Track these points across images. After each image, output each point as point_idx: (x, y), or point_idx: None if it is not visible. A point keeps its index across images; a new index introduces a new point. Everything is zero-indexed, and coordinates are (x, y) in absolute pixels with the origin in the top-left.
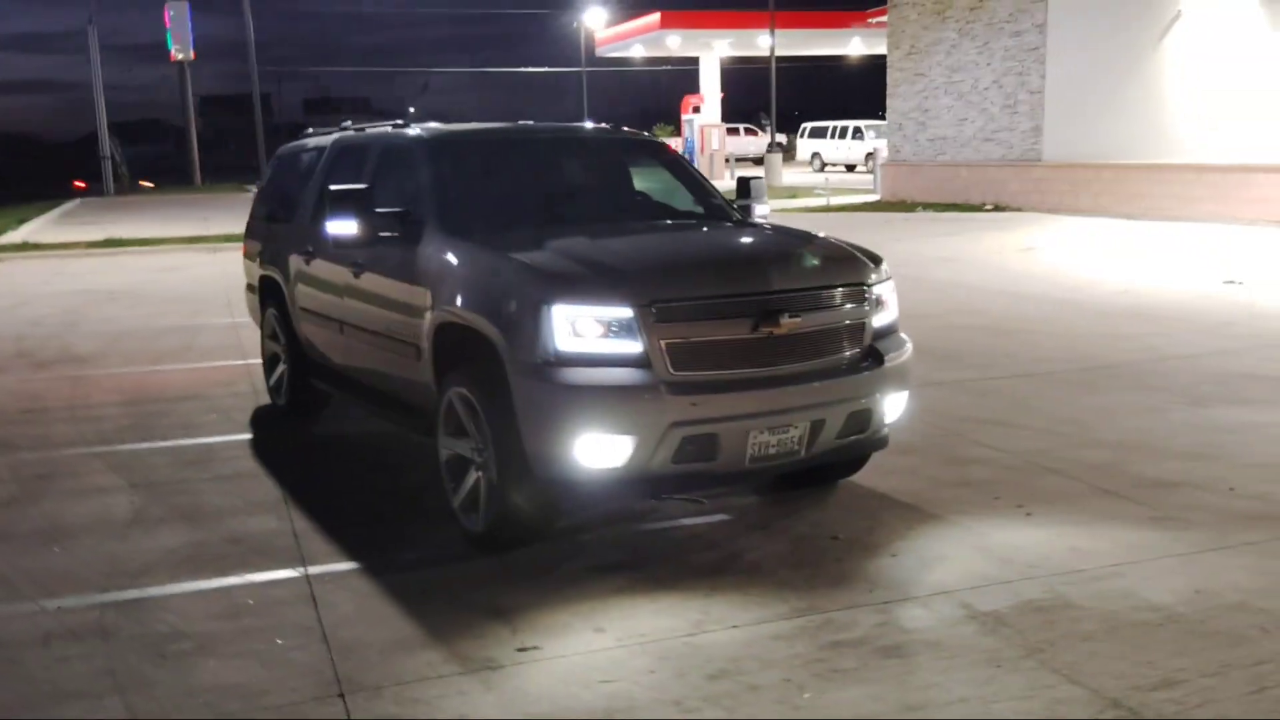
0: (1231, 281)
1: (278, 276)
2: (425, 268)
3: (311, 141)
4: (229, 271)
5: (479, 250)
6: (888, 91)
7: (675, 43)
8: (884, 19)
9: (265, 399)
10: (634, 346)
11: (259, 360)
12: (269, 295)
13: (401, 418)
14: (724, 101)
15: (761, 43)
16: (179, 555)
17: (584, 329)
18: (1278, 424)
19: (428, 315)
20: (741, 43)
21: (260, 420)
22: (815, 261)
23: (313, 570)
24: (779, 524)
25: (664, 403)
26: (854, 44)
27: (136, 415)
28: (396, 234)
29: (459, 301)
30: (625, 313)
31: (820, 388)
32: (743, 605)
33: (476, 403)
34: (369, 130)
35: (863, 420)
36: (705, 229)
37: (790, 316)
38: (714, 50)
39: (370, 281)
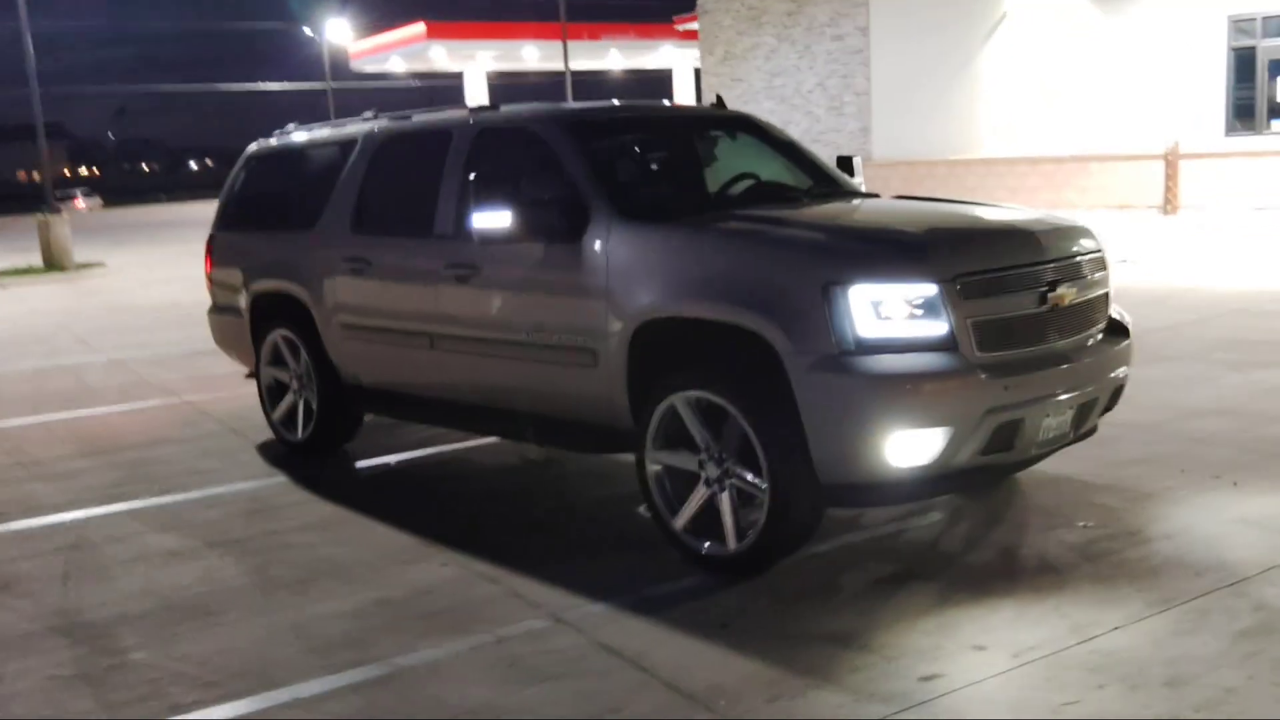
0: (1124, 260)
1: (298, 293)
2: (599, 262)
3: (320, 135)
4: (38, 308)
5: (706, 235)
6: (703, 98)
7: (440, 55)
8: (694, 25)
9: (246, 437)
10: (939, 327)
11: (197, 397)
12: (272, 317)
13: (549, 435)
14: None
15: (526, 54)
16: (379, 619)
17: (888, 311)
18: None
19: (611, 316)
20: (508, 55)
21: (279, 459)
22: (1065, 229)
23: (567, 615)
24: (1007, 517)
25: (980, 388)
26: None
27: (118, 466)
28: (554, 227)
29: (686, 295)
30: (930, 289)
31: (1097, 363)
32: (1095, 604)
33: (734, 407)
34: (439, 115)
35: (1117, 395)
36: (898, 202)
37: (1068, 286)
38: (477, 62)
39: (495, 286)
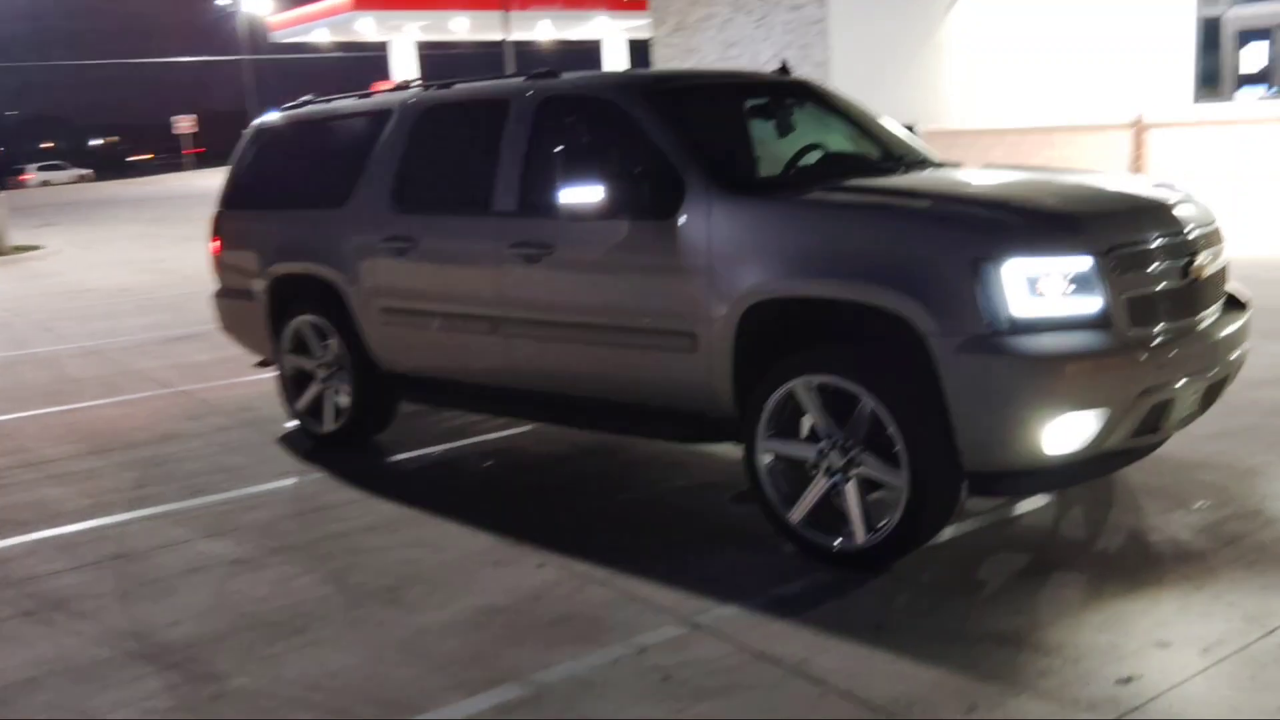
0: None
1: (328, 275)
2: (699, 240)
3: (343, 106)
4: None
5: (829, 209)
6: (654, 67)
7: (367, 25)
8: None
9: (263, 429)
10: (1094, 303)
11: (192, 387)
12: (296, 301)
13: (636, 424)
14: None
15: (456, 25)
16: (495, 631)
17: (1044, 286)
18: None
19: (714, 297)
20: (437, 26)
21: (308, 453)
22: (1191, 200)
23: (702, 620)
24: (1117, 500)
25: (1137, 368)
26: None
27: (133, 465)
28: (644, 203)
29: (809, 273)
30: (1086, 263)
31: (1227, 338)
32: (1258, 592)
33: (868, 393)
34: (491, 84)
35: (1238, 372)
36: (1010, 171)
37: (1204, 258)
38: (405, 33)
39: (573, 266)
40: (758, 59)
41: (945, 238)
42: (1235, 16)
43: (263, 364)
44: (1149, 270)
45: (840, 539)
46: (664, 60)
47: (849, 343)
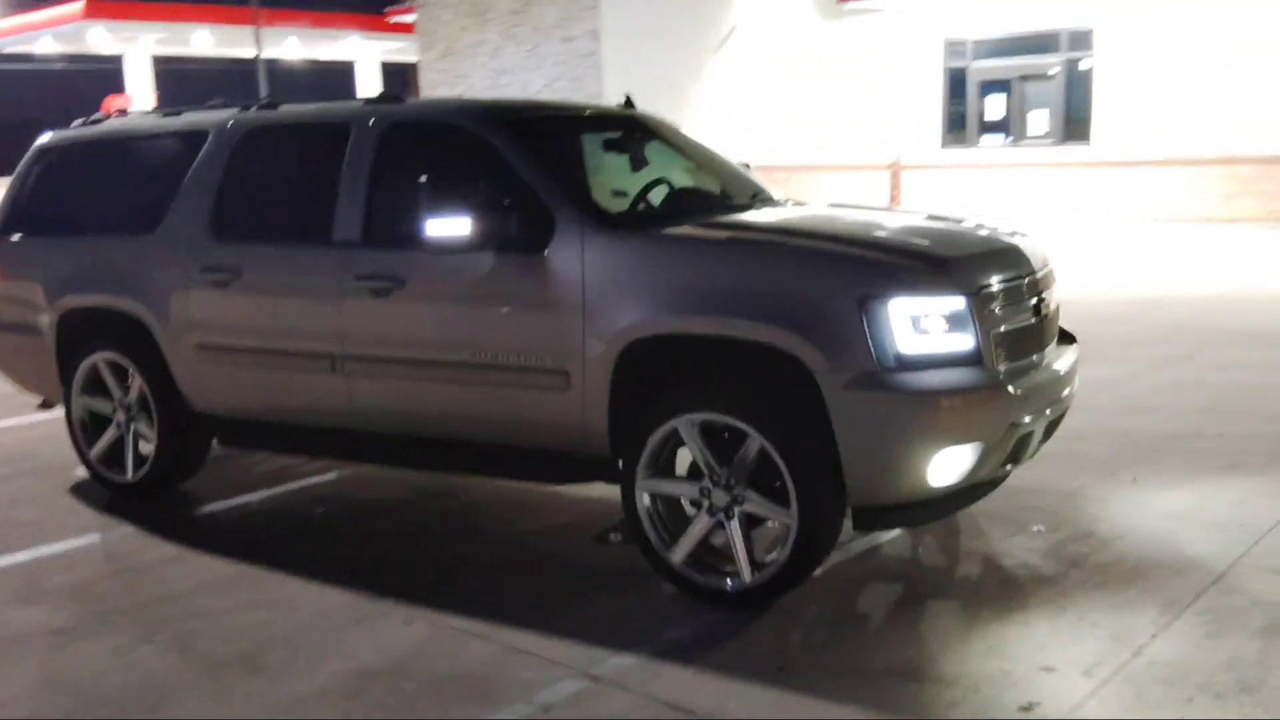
0: None
1: (132, 309)
2: (573, 275)
3: (145, 125)
4: None
5: (714, 246)
6: (422, 94)
7: (100, 36)
8: (407, 18)
9: (49, 478)
10: (967, 341)
11: None
12: (91, 337)
13: (498, 465)
14: (162, 104)
15: (197, 39)
16: (381, 697)
17: (927, 325)
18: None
19: (589, 334)
20: (177, 39)
21: (108, 504)
22: (1032, 242)
23: (600, 671)
24: (962, 526)
25: (1008, 401)
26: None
27: None
28: (511, 237)
29: (693, 310)
30: (960, 302)
31: (1069, 372)
32: (1114, 611)
33: (756, 430)
34: (325, 107)
35: (1070, 404)
36: (863, 211)
37: (1048, 296)
38: (140, 45)
39: (428, 300)
40: (529, 88)
41: (834, 277)
42: (978, 68)
43: (45, 405)
44: (1009, 309)
45: (729, 579)
46: (431, 86)
47: (735, 381)
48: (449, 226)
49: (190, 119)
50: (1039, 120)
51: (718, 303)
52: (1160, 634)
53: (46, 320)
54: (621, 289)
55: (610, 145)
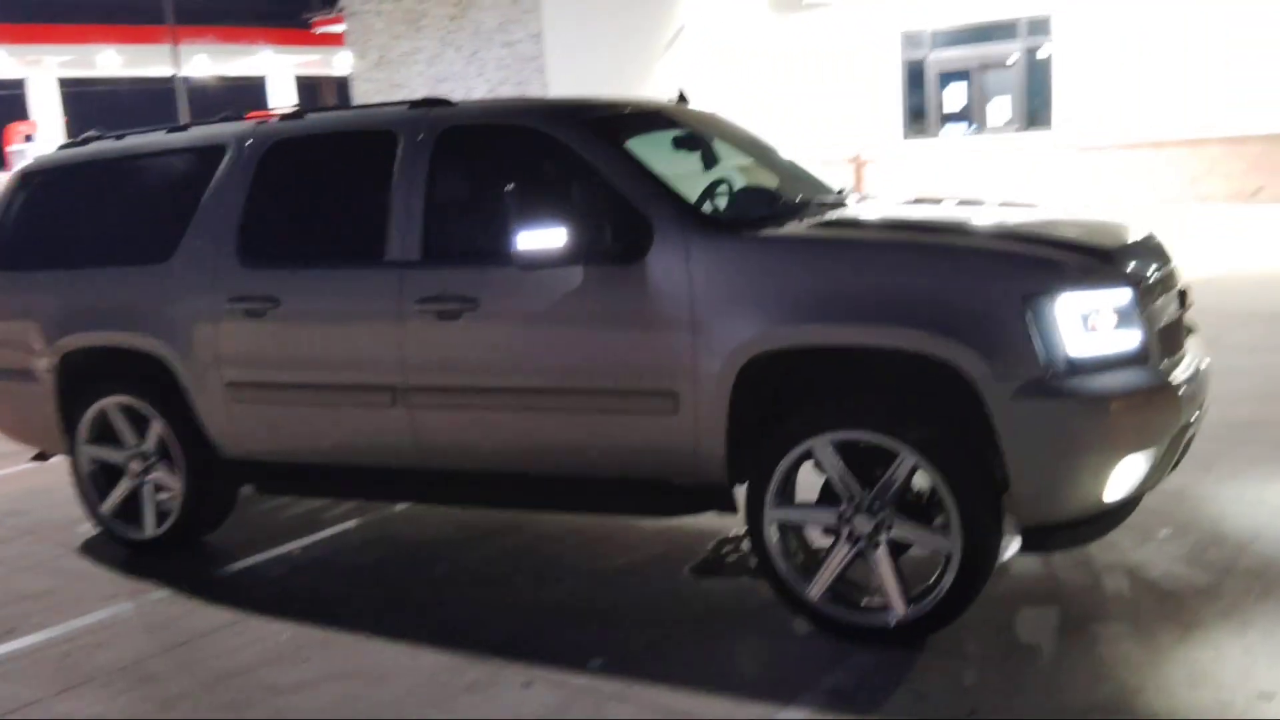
0: None
1: (150, 346)
2: (679, 286)
3: (148, 143)
4: None
5: (849, 247)
6: (356, 103)
7: (1, 59)
8: (334, 28)
9: (53, 539)
10: (1135, 338)
11: None
12: (99, 379)
13: (596, 500)
14: (71, 127)
15: (104, 60)
16: None
17: (1095, 322)
18: None
19: (702, 350)
20: (83, 60)
21: (130, 565)
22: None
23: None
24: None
25: (1178, 402)
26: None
27: None
28: (604, 248)
29: (831, 318)
30: (1127, 295)
31: (1209, 369)
32: None
33: (911, 448)
34: (363, 113)
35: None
36: (951, 203)
37: (1186, 288)
38: (45, 67)
39: (507, 322)
40: (471, 94)
41: (994, 274)
42: (936, 59)
43: (41, 457)
44: (1161, 302)
45: (880, 613)
46: (366, 95)
47: (878, 394)
48: (541, 239)
49: (201, 133)
50: (1000, 108)
51: (857, 309)
52: None
53: (43, 364)
54: (739, 298)
55: (680, 143)
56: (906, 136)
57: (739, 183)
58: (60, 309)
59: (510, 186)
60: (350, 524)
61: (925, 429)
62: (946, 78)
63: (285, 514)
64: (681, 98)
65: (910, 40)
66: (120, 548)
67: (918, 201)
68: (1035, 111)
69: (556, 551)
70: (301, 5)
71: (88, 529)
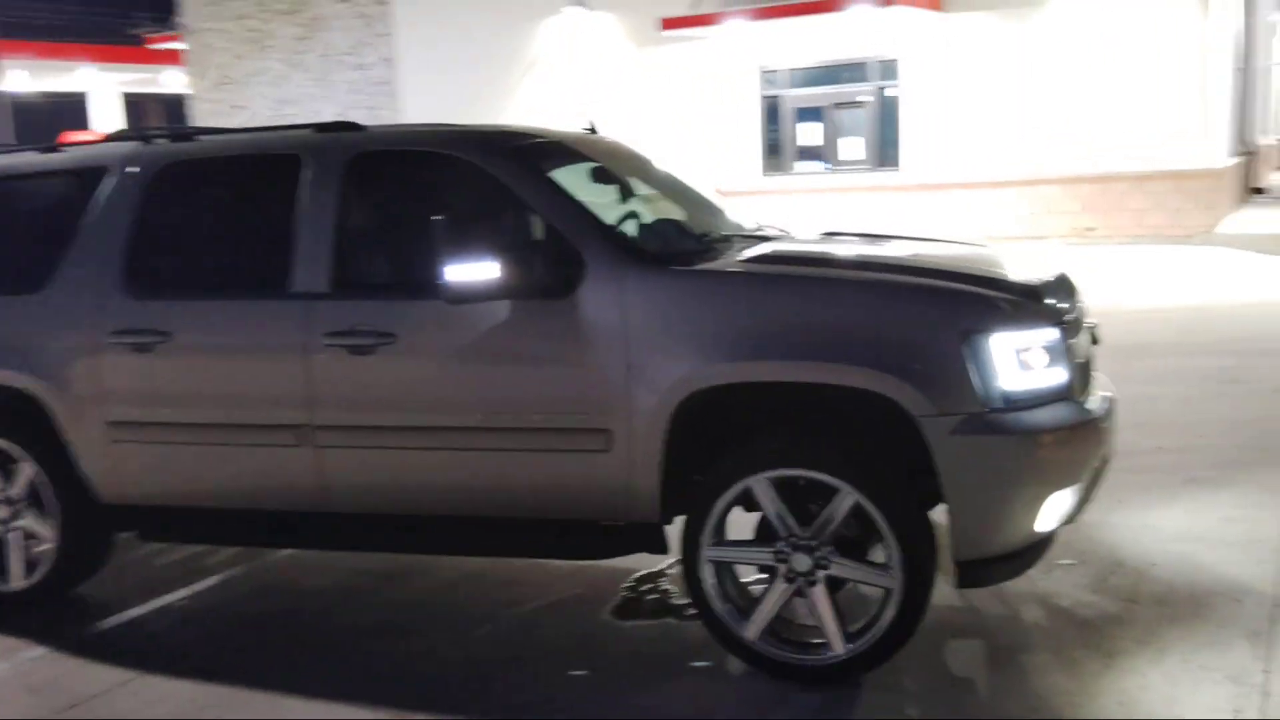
0: None
1: (21, 384)
2: (611, 322)
3: (17, 163)
4: None
5: (788, 282)
6: (195, 123)
7: None
8: (175, 45)
9: None
10: (1061, 375)
11: None
12: None
13: (517, 543)
14: None
15: None
16: None
17: (1028, 359)
18: None
19: (637, 386)
20: None
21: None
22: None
23: None
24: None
25: (1101, 435)
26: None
27: None
28: (533, 281)
29: (770, 354)
30: (1054, 334)
31: (1113, 404)
32: (1215, 649)
33: (850, 484)
34: (259, 135)
35: None
36: (876, 239)
37: (1093, 324)
38: None
39: (427, 357)
40: (320, 117)
41: (933, 312)
42: (792, 96)
43: None
44: (1079, 339)
45: (817, 651)
46: (205, 117)
47: (816, 431)
48: (471, 272)
49: (79, 154)
50: (853, 146)
51: (798, 345)
52: (1271, 669)
53: None
54: (675, 334)
55: (598, 175)
56: (765, 172)
57: (659, 216)
58: None
59: (438, 217)
60: (235, 570)
61: (865, 466)
62: (802, 114)
63: (161, 561)
64: (591, 129)
65: (768, 77)
66: None
67: (831, 236)
68: (885, 151)
69: (467, 595)
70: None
71: None
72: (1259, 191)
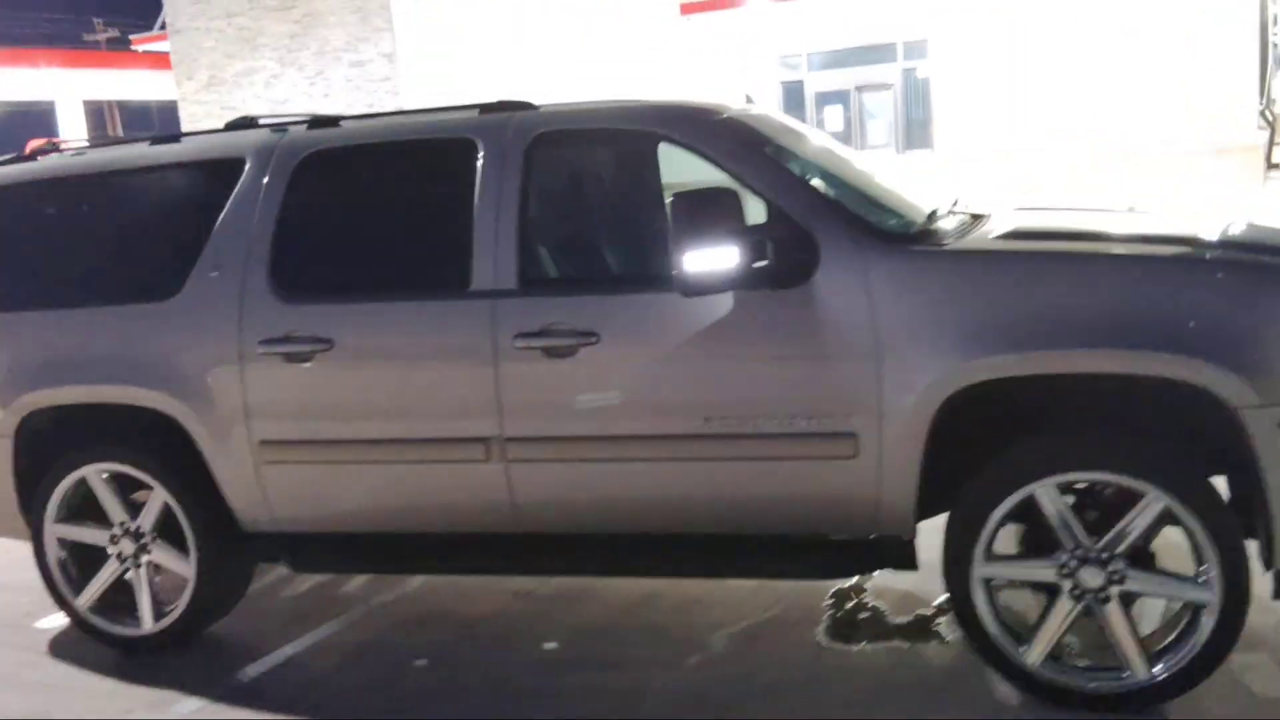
0: None
1: (156, 401)
2: (857, 311)
3: (135, 155)
4: None
5: (1063, 261)
6: (183, 127)
7: None
8: (159, 47)
9: (29, 647)
10: None
11: None
12: (69, 444)
13: (737, 562)
14: None
15: None
16: None
17: None
18: None
19: (891, 383)
20: None
21: (126, 669)
22: None
23: None
24: None
25: None
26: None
27: None
28: (765, 268)
29: (1046, 342)
30: None
31: None
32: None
33: (1162, 489)
34: (427, 118)
35: None
36: (1089, 213)
37: None
38: None
39: (637, 359)
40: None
41: (1257, 288)
42: (814, 80)
43: None
44: None
45: (1115, 676)
46: (194, 119)
47: (1114, 427)
48: (709, 260)
49: (202, 145)
50: (879, 129)
51: (1089, 332)
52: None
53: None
54: (937, 323)
55: (795, 152)
56: None
57: (868, 192)
58: (19, 360)
59: (673, 199)
60: (371, 602)
61: (1176, 466)
62: (824, 98)
63: (287, 593)
64: (748, 101)
65: (787, 62)
66: (102, 647)
67: (1029, 210)
68: (915, 131)
69: (652, 620)
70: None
71: (49, 623)
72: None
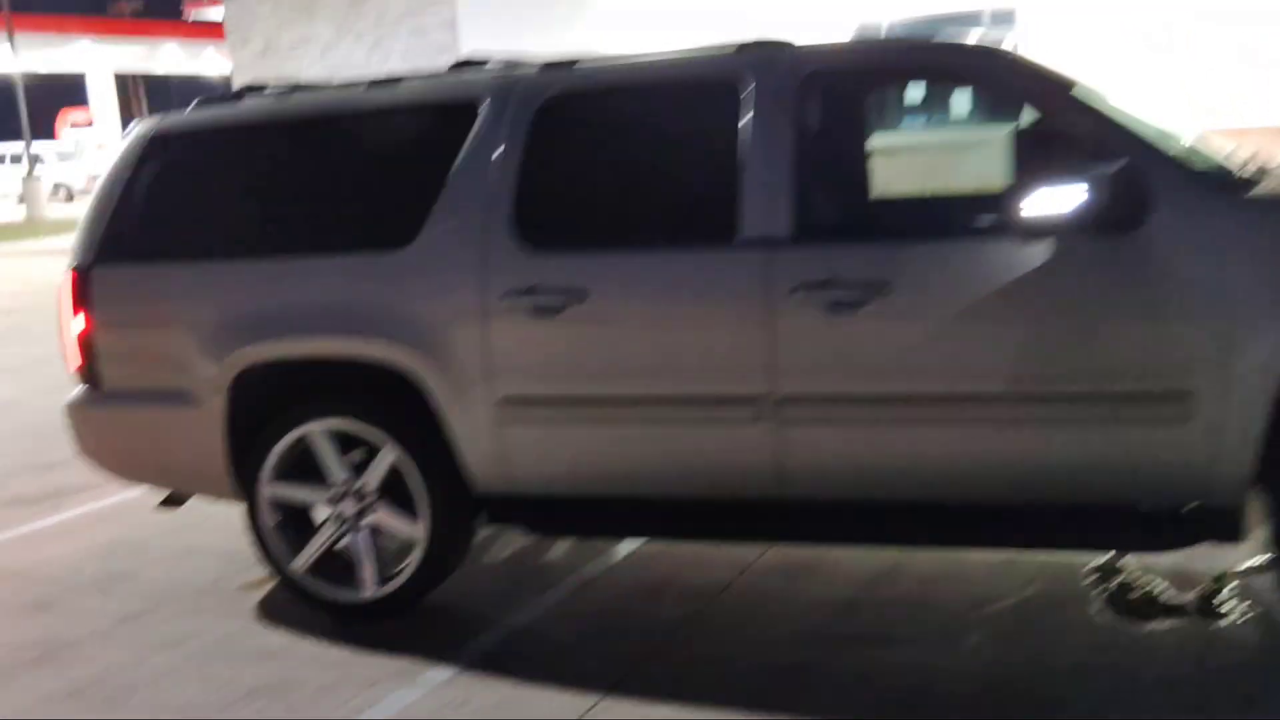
0: None
1: (389, 355)
2: (1203, 262)
3: (354, 98)
4: None
5: None
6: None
7: None
8: (212, 14)
9: (196, 605)
10: None
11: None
12: (288, 401)
13: (1055, 533)
14: None
15: None
16: None
17: None
18: None
19: (1240, 337)
20: None
21: (345, 633)
22: None
23: None
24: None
25: None
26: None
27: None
28: (1095, 214)
29: None
30: None
31: None
32: None
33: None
34: (669, 57)
35: None
36: None
37: None
38: None
39: (937, 312)
40: None
41: None
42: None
43: (173, 502)
44: None
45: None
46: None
47: None
48: (1051, 201)
49: (434, 85)
50: (961, 99)
51: None
52: None
53: (205, 381)
54: None
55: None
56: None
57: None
58: (232, 312)
59: (1020, 130)
60: (594, 568)
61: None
62: None
63: (491, 558)
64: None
65: (867, 33)
66: (310, 613)
67: None
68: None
69: (902, 595)
70: None
71: (236, 589)
72: None
